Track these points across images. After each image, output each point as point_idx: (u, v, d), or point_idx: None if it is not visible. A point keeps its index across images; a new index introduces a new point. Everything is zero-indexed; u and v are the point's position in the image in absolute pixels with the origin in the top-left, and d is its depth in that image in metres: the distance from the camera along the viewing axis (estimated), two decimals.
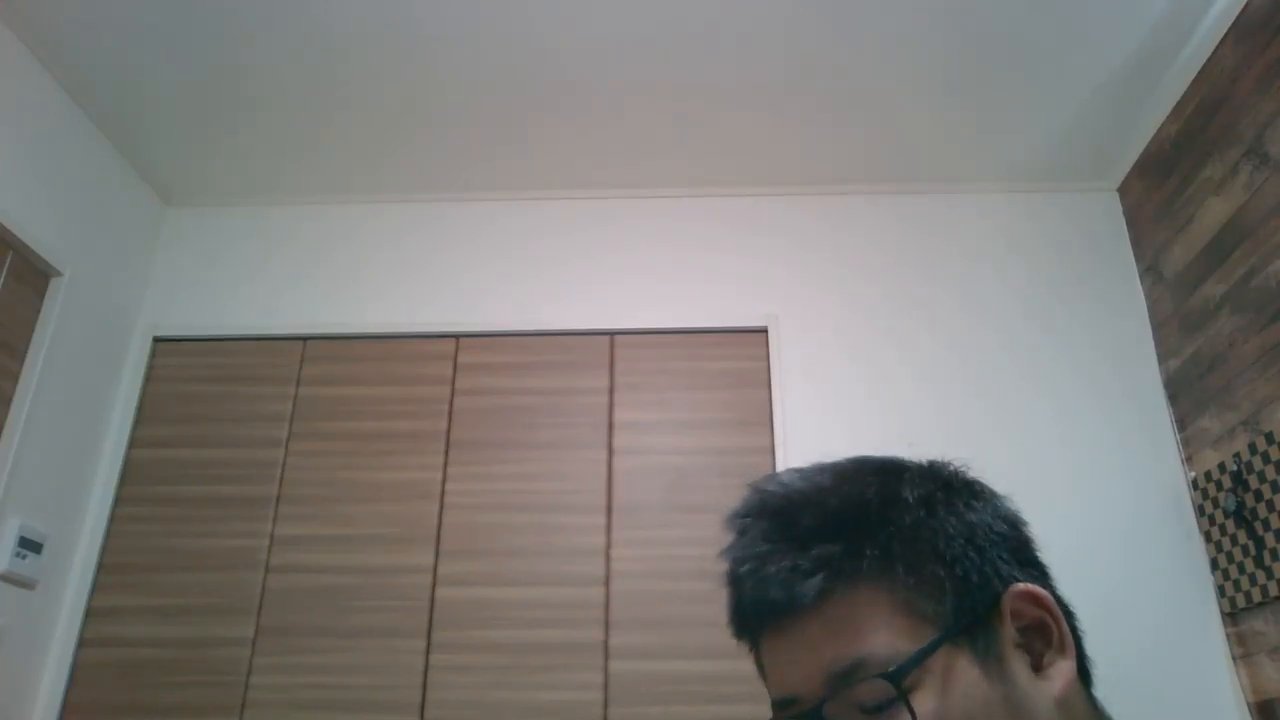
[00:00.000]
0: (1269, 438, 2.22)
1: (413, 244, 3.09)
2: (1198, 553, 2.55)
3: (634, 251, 3.03)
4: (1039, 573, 0.62)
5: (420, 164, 3.00)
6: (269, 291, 3.04)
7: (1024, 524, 0.64)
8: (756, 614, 0.61)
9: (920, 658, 0.54)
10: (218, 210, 3.18)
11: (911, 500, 0.60)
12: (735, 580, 0.63)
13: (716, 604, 2.71)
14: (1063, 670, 0.58)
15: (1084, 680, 0.60)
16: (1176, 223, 2.68)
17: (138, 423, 2.87)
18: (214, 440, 2.83)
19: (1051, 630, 0.59)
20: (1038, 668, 0.58)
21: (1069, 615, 0.60)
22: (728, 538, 0.64)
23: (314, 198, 3.16)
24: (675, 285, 2.98)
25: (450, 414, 2.84)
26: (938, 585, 0.57)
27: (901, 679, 0.54)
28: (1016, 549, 0.62)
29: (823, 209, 3.07)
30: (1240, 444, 2.36)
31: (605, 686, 2.50)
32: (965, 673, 0.55)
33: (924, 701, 0.54)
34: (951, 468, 0.65)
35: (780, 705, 0.60)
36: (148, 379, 2.93)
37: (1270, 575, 2.23)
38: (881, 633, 0.56)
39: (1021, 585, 0.59)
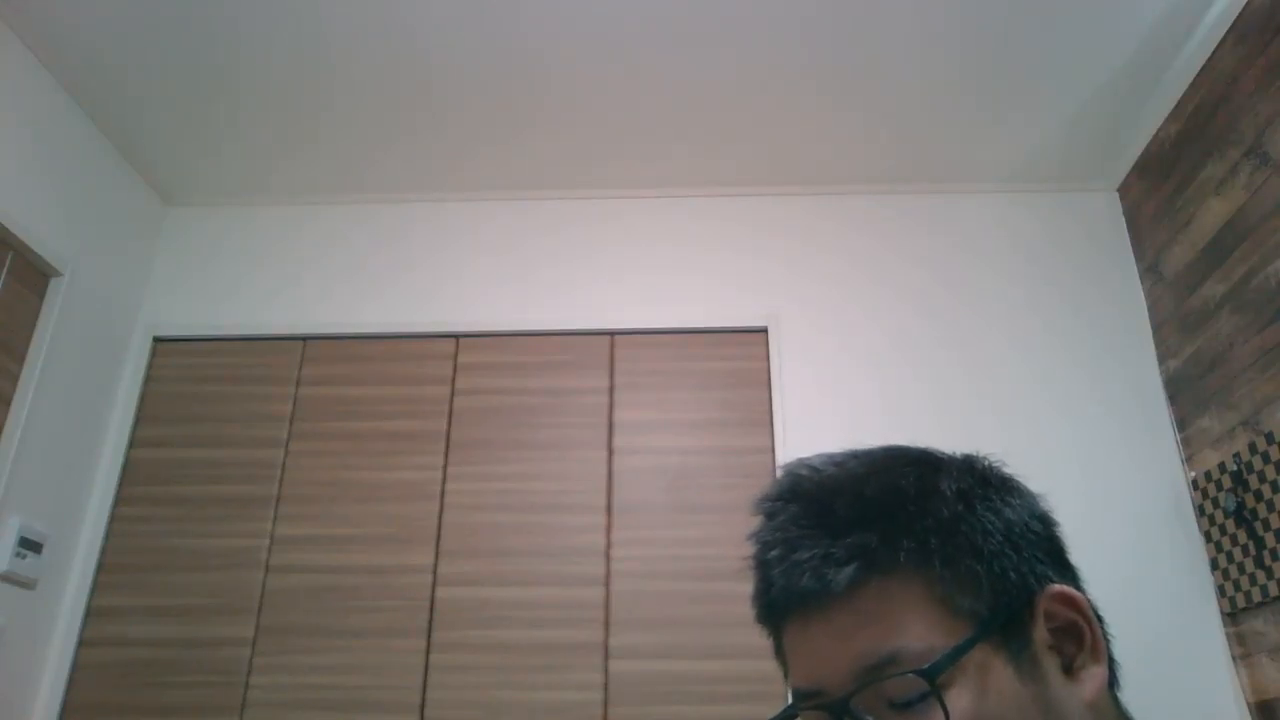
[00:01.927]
0: (1269, 438, 2.22)
1: (413, 244, 3.08)
2: (1198, 553, 2.55)
3: (634, 251, 3.03)
4: (1071, 575, 0.61)
5: (419, 164, 3.00)
6: (269, 291, 3.04)
7: (1056, 525, 0.62)
8: (784, 600, 0.59)
9: (957, 654, 0.53)
10: (218, 210, 3.18)
11: (950, 493, 0.59)
12: (763, 564, 0.61)
13: (716, 604, 2.71)
14: (1095, 675, 0.57)
15: (1110, 682, 0.59)
16: (1176, 223, 2.68)
17: (138, 423, 2.87)
18: (214, 440, 2.83)
19: (1084, 633, 0.58)
20: (1068, 670, 0.57)
21: (1099, 619, 0.59)
22: (756, 520, 0.62)
23: (314, 197, 3.16)
24: (675, 285, 2.98)
25: (450, 414, 2.84)
26: (975, 581, 0.56)
27: (937, 675, 0.52)
28: (1051, 550, 0.61)
29: (823, 209, 3.07)
30: (1240, 444, 2.36)
31: (605, 686, 2.50)
32: (1000, 672, 0.54)
33: (958, 699, 0.53)
34: (987, 463, 0.63)
35: (803, 695, 0.59)
36: (148, 379, 2.93)
37: (1270, 575, 2.23)
38: (916, 626, 0.54)
39: (1057, 587, 0.58)
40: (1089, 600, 0.59)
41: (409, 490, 2.74)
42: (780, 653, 0.62)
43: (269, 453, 2.80)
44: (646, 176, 3.05)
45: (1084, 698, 0.56)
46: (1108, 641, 0.59)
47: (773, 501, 0.62)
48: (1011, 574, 0.57)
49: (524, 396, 2.85)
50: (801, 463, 0.63)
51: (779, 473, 0.64)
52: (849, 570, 0.56)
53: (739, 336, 2.90)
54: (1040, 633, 0.56)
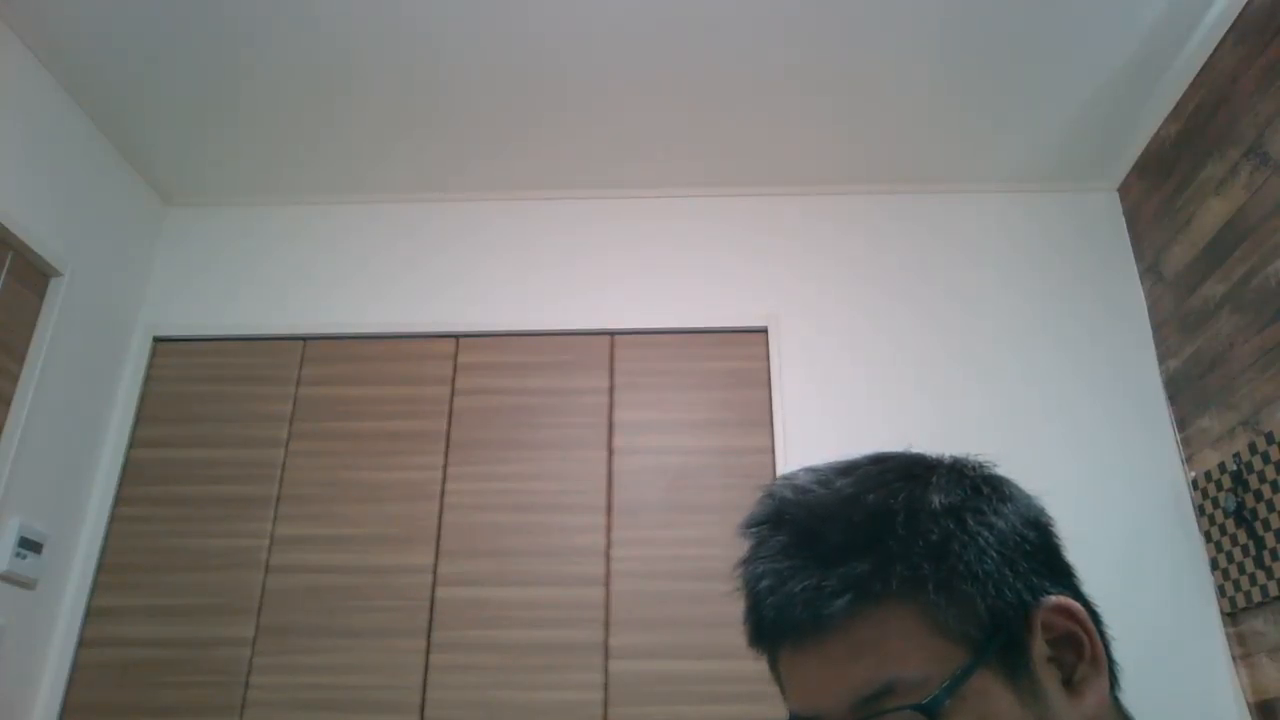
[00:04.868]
0: (1269, 438, 2.22)
1: (413, 244, 3.08)
2: (1198, 553, 2.55)
3: (634, 251, 3.03)
4: (1068, 578, 0.60)
5: (420, 164, 3.00)
6: (269, 291, 3.04)
7: (1050, 523, 0.61)
8: (778, 632, 0.58)
9: (955, 685, 0.52)
10: (217, 210, 3.18)
11: (940, 509, 0.57)
12: (755, 595, 0.60)
13: (716, 604, 2.71)
14: (1096, 687, 0.56)
15: (1110, 683, 0.58)
16: (1176, 223, 2.68)
17: (138, 423, 2.87)
18: (214, 440, 2.83)
19: (1083, 643, 0.56)
20: (1068, 682, 0.56)
21: (1097, 620, 0.58)
22: (744, 546, 0.61)
23: (314, 198, 3.16)
24: (675, 285, 2.98)
25: (450, 414, 2.84)
26: (970, 605, 0.55)
27: (937, 709, 0.51)
28: (1046, 556, 0.59)
29: (823, 209, 3.07)
30: (1240, 444, 2.36)
31: (605, 686, 2.50)
32: (999, 697, 0.53)
33: None
34: (976, 467, 0.62)
35: None
36: (148, 379, 2.93)
37: (1270, 575, 2.23)
38: (911, 655, 0.54)
39: (1054, 599, 0.57)
40: (1087, 607, 0.58)
41: (409, 490, 2.74)
42: (775, 673, 0.62)
43: (269, 453, 2.80)
44: (646, 176, 3.05)
45: (1086, 714, 0.55)
46: (1107, 646, 0.58)
47: (759, 527, 0.61)
48: (1007, 593, 0.55)
49: (524, 396, 2.85)
50: (786, 483, 0.62)
51: (763, 494, 0.62)
52: (842, 602, 0.55)
53: (739, 336, 2.90)
54: (1039, 647, 0.55)
